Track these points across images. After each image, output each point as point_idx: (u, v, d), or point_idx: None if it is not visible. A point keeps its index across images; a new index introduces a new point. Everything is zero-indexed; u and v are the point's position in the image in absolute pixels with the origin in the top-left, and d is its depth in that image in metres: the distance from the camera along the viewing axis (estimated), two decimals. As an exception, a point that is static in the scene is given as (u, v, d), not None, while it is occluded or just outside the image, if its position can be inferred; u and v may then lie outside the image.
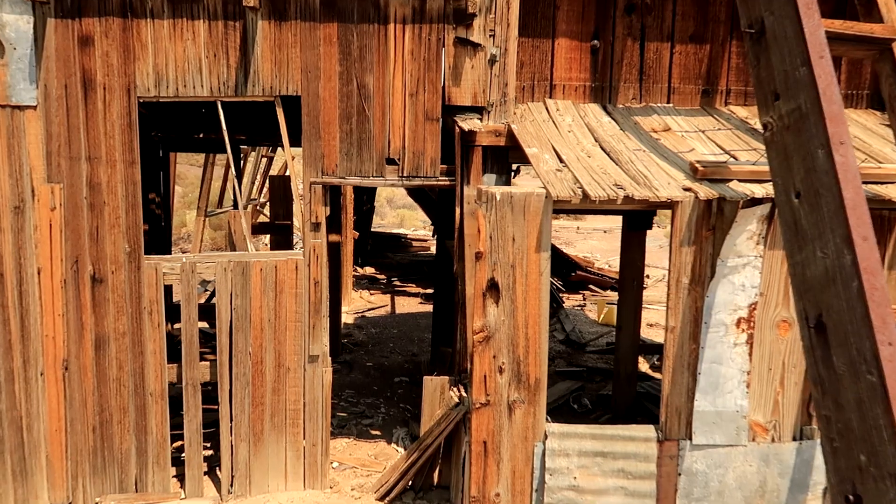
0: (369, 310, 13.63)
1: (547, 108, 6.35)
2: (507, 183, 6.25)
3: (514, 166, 7.02)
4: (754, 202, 4.89)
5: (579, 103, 6.52)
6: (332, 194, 10.41)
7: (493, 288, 4.93)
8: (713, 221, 4.93)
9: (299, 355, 6.26)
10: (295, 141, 6.38)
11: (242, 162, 17.35)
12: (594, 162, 5.37)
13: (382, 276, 16.16)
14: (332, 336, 10.98)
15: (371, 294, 14.74)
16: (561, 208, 5.03)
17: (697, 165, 5.11)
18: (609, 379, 9.63)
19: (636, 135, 5.95)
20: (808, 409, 5.17)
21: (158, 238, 9.99)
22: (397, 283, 15.84)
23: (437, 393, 6.44)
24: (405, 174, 6.14)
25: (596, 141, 5.82)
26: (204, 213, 13.79)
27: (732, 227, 4.91)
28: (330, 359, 6.51)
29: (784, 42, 4.25)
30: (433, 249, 19.71)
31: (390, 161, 6.16)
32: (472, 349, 6.00)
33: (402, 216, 25.97)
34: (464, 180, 6.12)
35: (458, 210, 6.17)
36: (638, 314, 8.36)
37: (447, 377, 6.47)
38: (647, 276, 16.21)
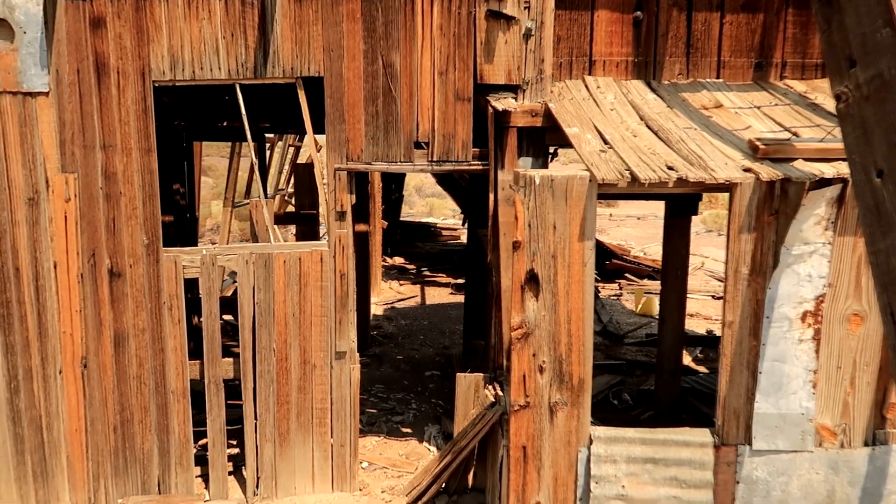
0: (399, 301, 13.29)
1: (586, 86, 5.87)
2: (544, 167, 5.81)
3: (551, 149, 6.56)
4: (823, 183, 4.38)
5: (621, 80, 6.03)
6: (358, 182, 10.05)
7: (532, 280, 4.51)
8: (776, 205, 4.43)
9: (325, 352, 5.92)
10: (319, 127, 6.01)
11: (270, 151, 17.13)
12: (641, 142, 4.90)
13: (412, 266, 15.81)
14: (360, 329, 10.68)
15: (401, 284, 14.40)
16: (605, 192, 4.58)
17: (758, 143, 4.61)
18: (650, 372, 9.15)
19: (685, 112, 5.45)
20: (882, 412, 4.66)
21: (183, 230, 9.74)
22: (427, 273, 15.47)
23: (471, 391, 6.05)
24: (435, 158, 5.73)
25: (641, 119, 5.34)
26: (231, 204, 13.58)
27: (798, 212, 4.41)
28: (358, 355, 6.16)
29: (861, 1, 3.73)
30: (463, 238, 19.30)
31: (419, 145, 5.76)
32: (509, 346, 5.60)
33: (431, 205, 25.59)
34: (498, 164, 5.69)
35: (491, 197, 5.74)
36: (682, 306, 7.86)
37: (481, 374, 6.07)
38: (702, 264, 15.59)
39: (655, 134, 5.06)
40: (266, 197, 10.27)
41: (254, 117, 9.36)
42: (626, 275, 15.01)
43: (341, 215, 5.76)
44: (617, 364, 9.48)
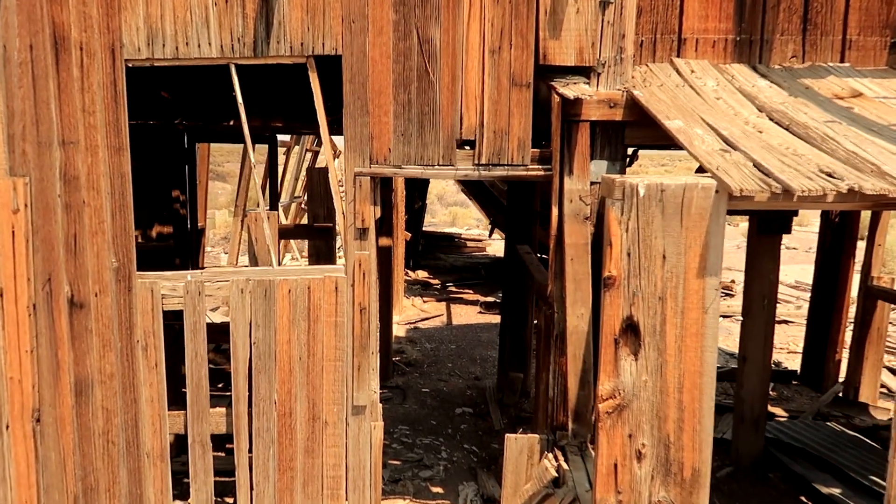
0: (423, 319, 11.98)
1: (677, 70, 4.53)
2: (622, 172, 4.48)
3: (629, 150, 5.22)
4: None
5: (718, 63, 4.68)
6: (383, 188, 8.78)
7: (630, 332, 3.16)
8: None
9: (340, 405, 4.60)
10: (336, 123, 4.72)
11: (286, 155, 15.91)
12: (772, 139, 3.55)
13: (436, 281, 14.49)
14: (382, 355, 9.37)
15: (424, 301, 13.08)
16: (732, 208, 3.22)
17: (948, 141, 3.24)
18: (720, 415, 7.75)
19: (816, 102, 4.09)
20: None
21: (185, 243, 8.51)
22: (453, 288, 14.15)
23: (523, 457, 4.70)
24: (482, 161, 4.41)
25: (760, 111, 3.99)
26: (242, 213, 12.37)
27: None
28: (381, 406, 4.84)
29: None
30: (489, 251, 17.97)
31: (462, 143, 4.44)
32: (576, 405, 4.25)
33: (454, 214, 24.30)
34: (564, 169, 4.37)
35: (554, 211, 4.41)
36: (769, 341, 6.47)
37: (536, 436, 4.71)
38: (733, 282, 14.17)
39: (787, 129, 3.71)
40: (276, 207, 9.02)
41: (263, 114, 8.13)
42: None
43: (362, 233, 4.46)
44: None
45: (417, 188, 15.26)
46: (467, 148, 4.44)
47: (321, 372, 4.55)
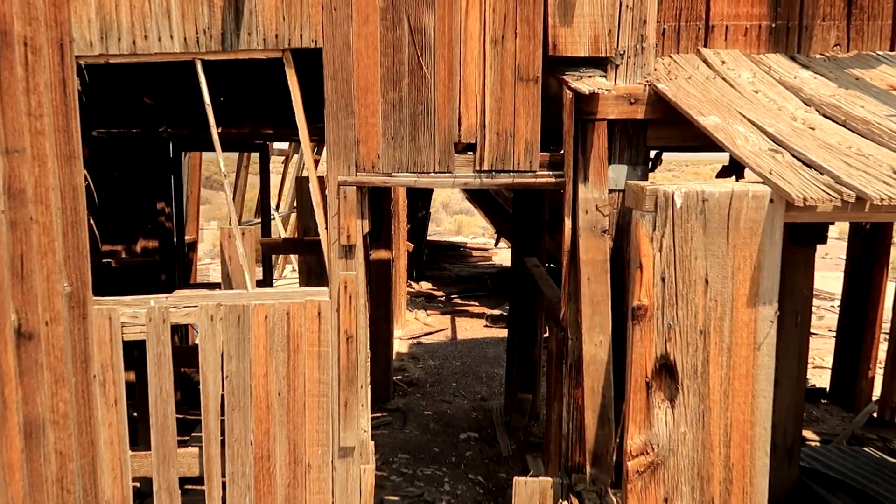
0: (426, 334, 11.39)
1: (706, 61, 3.94)
2: (643, 178, 3.90)
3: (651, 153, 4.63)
4: None
5: (752, 53, 4.09)
6: (373, 199, 8.18)
7: (665, 373, 2.57)
8: None
9: (325, 447, 4.02)
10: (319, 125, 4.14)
11: (284, 164, 15.39)
12: (828, 137, 2.96)
13: (440, 293, 13.91)
14: (381, 375, 8.79)
15: (428, 314, 12.49)
16: (790, 220, 2.62)
17: None
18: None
19: (871, 95, 3.50)
20: None
21: (170, 258, 7.97)
22: (458, 300, 13.55)
23: (534, 503, 4.11)
24: (485, 167, 3.84)
25: (808, 105, 3.40)
26: (238, 218, 11.82)
27: None
28: (373, 445, 4.26)
29: None
30: (495, 260, 17.38)
31: (462, 147, 3.87)
32: (595, 446, 3.66)
33: (459, 222, 23.72)
34: (578, 175, 3.79)
35: (567, 223, 3.83)
36: (804, 361, 5.85)
37: (549, 480, 4.11)
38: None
39: (844, 126, 3.12)
40: (268, 219, 8.47)
41: (253, 120, 7.61)
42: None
43: (348, 250, 3.89)
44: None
45: (420, 197, 14.71)
46: (468, 153, 3.86)
47: (303, 409, 3.97)
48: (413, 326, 11.83)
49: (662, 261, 2.50)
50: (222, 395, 3.98)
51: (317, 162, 14.68)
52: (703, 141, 3.71)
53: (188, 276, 9.17)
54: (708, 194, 2.47)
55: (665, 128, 3.80)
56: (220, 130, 7.78)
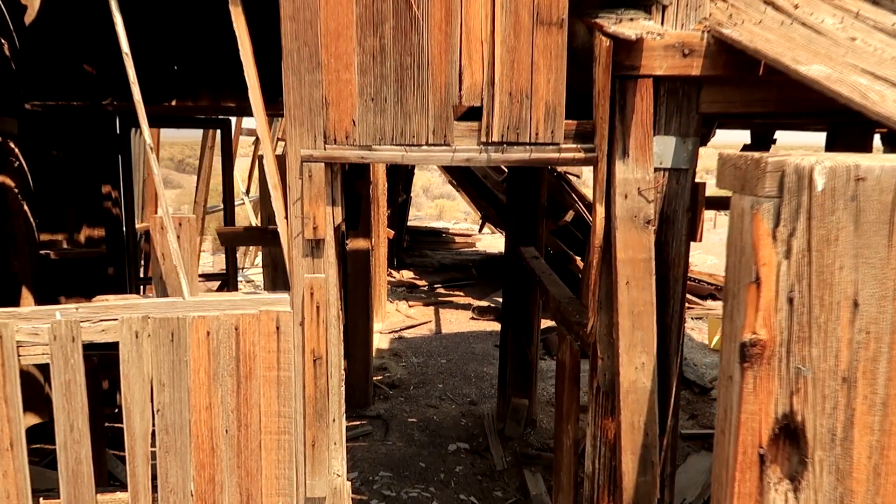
0: (408, 327, 10.50)
1: (773, 4, 3.05)
2: (696, 153, 3.01)
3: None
4: None
5: (826, -3, 3.21)
6: (348, 180, 7.18)
7: (786, 440, 1.69)
8: None
9: (288, 497, 3.10)
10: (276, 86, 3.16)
11: (255, 146, 14.32)
12: None
13: (423, 282, 13.00)
14: (361, 377, 7.88)
15: (410, 306, 11.59)
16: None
17: None
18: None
19: None
20: None
21: (118, 250, 6.95)
22: (441, 290, 12.66)
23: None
24: (493, 138, 2.91)
25: (929, 53, 2.53)
26: (203, 212, 10.82)
27: None
28: (349, 487, 3.34)
29: None
30: (479, 246, 16.51)
31: (463, 112, 2.95)
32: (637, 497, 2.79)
33: (440, 207, 22.78)
34: (614, 149, 2.89)
35: (598, 211, 2.93)
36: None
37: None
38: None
39: None
40: (231, 204, 7.48)
41: (213, 90, 6.61)
42: (680, 293, 12.18)
43: (315, 247, 2.95)
44: (712, 433, 6.66)
45: (401, 179, 13.74)
46: (472, 119, 2.94)
47: (258, 451, 3.05)
48: (394, 319, 10.93)
49: (791, 272, 1.61)
50: (154, 434, 3.04)
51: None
52: (772, 106, 2.84)
53: (143, 268, 8.17)
54: (865, 170, 1.57)
55: (725, 88, 2.91)
56: (174, 103, 6.73)
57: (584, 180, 10.25)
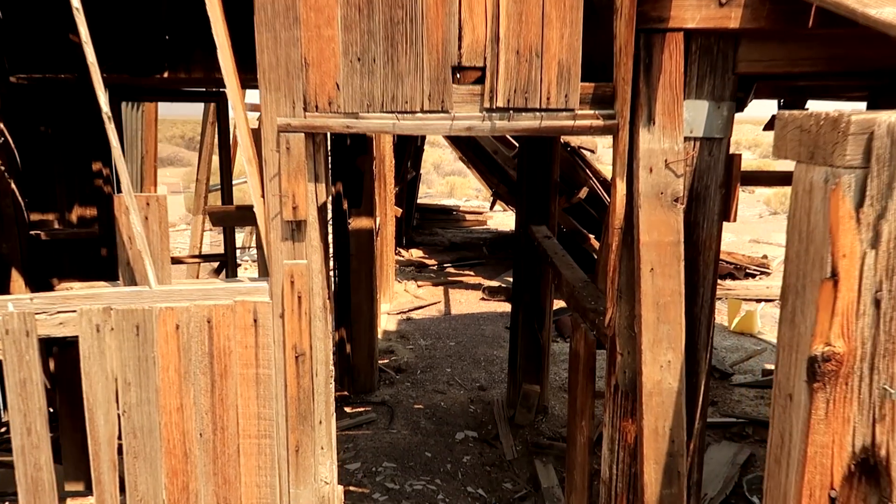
0: (417, 308, 10.18)
1: (824, -55, 2.61)
2: (731, 120, 2.61)
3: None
4: None
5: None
6: (347, 155, 6.74)
7: (865, 477, 1.33)
8: None
9: (270, 507, 2.79)
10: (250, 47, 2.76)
11: (259, 119, 13.98)
12: None
13: (432, 262, 12.65)
14: (366, 362, 7.56)
15: (418, 286, 11.26)
16: None
17: None
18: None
19: None
20: None
21: (112, 230, 6.63)
22: (451, 269, 12.31)
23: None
24: (498, 103, 2.52)
25: None
26: (205, 191, 10.48)
27: None
28: (341, 491, 3.03)
29: None
30: (490, 224, 16.12)
31: (463, 74, 2.56)
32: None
33: (451, 184, 22.35)
34: (638, 115, 2.50)
35: (618, 186, 2.54)
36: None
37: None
38: (765, 257, 12.35)
39: None
40: (230, 183, 7.13)
41: (207, 62, 6.25)
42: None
43: (296, 229, 2.60)
44: (734, 422, 6.31)
45: (410, 156, 13.33)
46: (472, 82, 2.55)
47: (236, 456, 2.73)
48: (402, 299, 10.61)
49: (879, 266, 1.23)
50: (118, 436, 2.73)
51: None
52: (821, 65, 2.43)
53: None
54: None
55: (768, 45, 2.50)
56: (166, 75, 6.35)
57: (599, 156, 9.80)
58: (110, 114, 2.63)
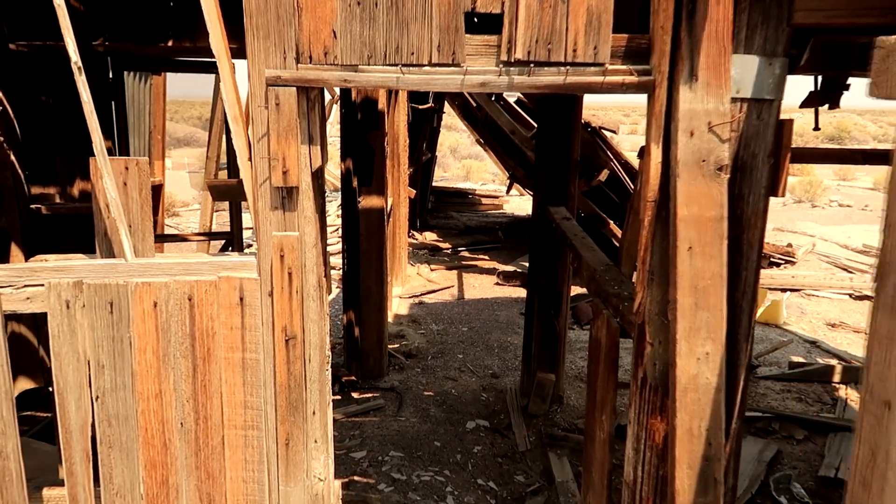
0: (429, 292, 9.89)
1: None
2: (783, 77, 2.27)
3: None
4: None
5: None
6: (358, 130, 6.33)
7: None
8: None
9: (258, 504, 2.53)
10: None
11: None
12: None
13: (446, 245, 12.34)
14: (375, 347, 7.29)
15: (432, 269, 10.97)
16: None
17: None
18: (815, 433, 5.65)
19: None
20: None
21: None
22: (465, 253, 12.00)
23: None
24: (517, 55, 2.20)
25: None
26: (216, 166, 10.23)
27: None
28: (338, 485, 2.75)
29: None
30: (507, 209, 15.77)
31: (477, 22, 2.25)
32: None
33: (468, 168, 21.99)
34: (678, 70, 2.17)
35: (654, 152, 2.21)
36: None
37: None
38: (790, 245, 11.91)
39: None
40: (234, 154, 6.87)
41: (229, 25, 5.97)
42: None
43: (287, 196, 2.30)
44: (759, 416, 5.97)
45: (426, 137, 12.99)
46: (488, 31, 2.23)
47: (221, 448, 2.46)
48: (415, 283, 10.33)
49: None
50: (92, 424, 2.47)
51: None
52: (892, 16, 2.08)
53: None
54: None
55: (829, -10, 2.15)
56: (170, 44, 6.06)
57: (619, 141, 9.41)
58: (80, 63, 2.34)
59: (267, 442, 2.46)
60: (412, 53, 2.19)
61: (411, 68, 2.20)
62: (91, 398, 2.42)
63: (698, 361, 2.21)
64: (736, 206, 2.29)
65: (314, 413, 2.48)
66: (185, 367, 2.39)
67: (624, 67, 2.20)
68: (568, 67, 2.18)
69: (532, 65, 2.18)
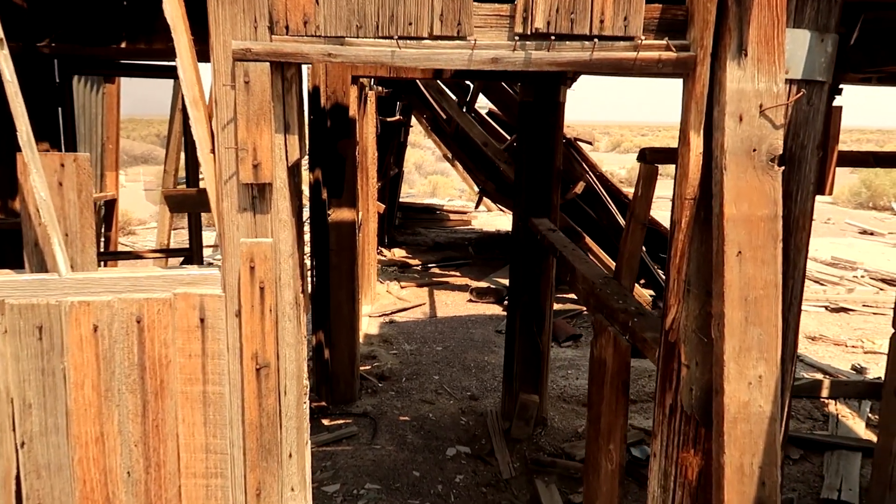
0: (400, 310, 9.47)
1: None
2: (833, 58, 1.97)
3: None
4: None
5: None
6: (329, 135, 5.86)
7: None
8: None
9: (222, 568, 2.09)
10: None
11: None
12: None
13: (416, 262, 11.95)
14: (346, 369, 6.83)
15: (402, 287, 10.56)
16: None
17: None
18: (812, 451, 5.39)
19: None
20: None
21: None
22: (436, 270, 11.63)
23: None
24: (536, 26, 1.86)
25: None
26: (174, 180, 9.68)
27: None
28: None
29: None
30: (475, 224, 15.48)
31: (487, -13, 1.90)
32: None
33: (434, 184, 21.67)
34: (723, 45, 1.85)
35: (694, 140, 1.89)
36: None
37: None
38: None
39: None
40: (197, 163, 6.38)
41: (170, 33, 5.52)
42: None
43: (258, 195, 1.90)
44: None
45: (393, 151, 12.62)
46: (497, 1, 1.88)
47: (177, 502, 2.02)
48: (385, 301, 9.89)
49: None
50: (17, 478, 2.00)
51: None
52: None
53: (98, 242, 7.07)
54: None
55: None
56: (123, 46, 5.57)
57: (596, 147, 9.18)
58: (2, 35, 1.91)
59: (234, 493, 2.03)
60: (410, 24, 1.82)
61: (409, 41, 1.83)
62: (15, 444, 1.97)
63: (750, 387, 1.87)
64: (783, 205, 1.98)
65: (290, 456, 2.06)
66: (133, 405, 1.95)
67: (659, 42, 1.87)
68: (594, 41, 1.84)
69: (552, 38, 1.84)
